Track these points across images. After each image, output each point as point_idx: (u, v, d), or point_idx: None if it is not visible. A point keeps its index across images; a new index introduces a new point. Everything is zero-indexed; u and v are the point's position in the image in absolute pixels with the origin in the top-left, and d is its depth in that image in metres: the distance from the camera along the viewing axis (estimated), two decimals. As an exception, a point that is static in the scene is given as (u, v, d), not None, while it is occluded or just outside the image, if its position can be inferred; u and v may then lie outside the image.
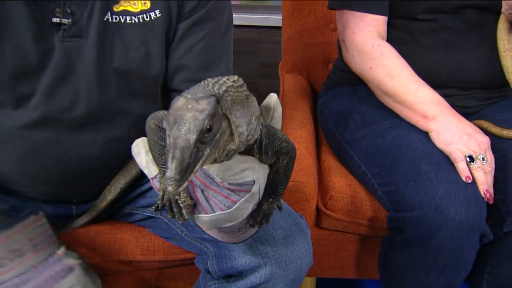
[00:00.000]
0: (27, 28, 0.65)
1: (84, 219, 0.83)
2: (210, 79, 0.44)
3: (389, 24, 1.00)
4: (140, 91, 0.75)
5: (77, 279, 0.66)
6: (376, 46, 0.95)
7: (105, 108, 0.72)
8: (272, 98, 0.55)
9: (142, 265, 0.86)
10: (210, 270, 0.74)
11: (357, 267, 1.08)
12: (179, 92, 0.73)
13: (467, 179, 0.82)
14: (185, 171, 0.38)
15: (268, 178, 0.53)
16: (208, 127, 0.40)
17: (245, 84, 0.46)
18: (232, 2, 0.85)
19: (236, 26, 0.85)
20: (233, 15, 0.83)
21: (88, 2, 0.67)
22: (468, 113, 1.00)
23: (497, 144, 0.91)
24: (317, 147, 1.15)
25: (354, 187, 0.98)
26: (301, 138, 1.03)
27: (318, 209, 1.00)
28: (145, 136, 0.64)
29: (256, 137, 0.49)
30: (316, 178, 1.00)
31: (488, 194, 0.82)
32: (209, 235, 0.59)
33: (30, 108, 0.69)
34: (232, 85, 0.44)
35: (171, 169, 0.37)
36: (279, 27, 1.98)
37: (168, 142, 0.39)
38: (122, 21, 0.70)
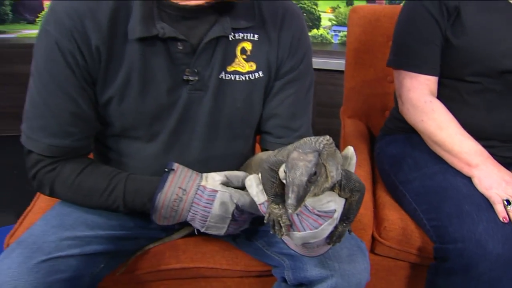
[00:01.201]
0: (165, 83, 0.78)
1: (182, 232, 0.96)
2: (313, 138, 0.58)
3: (440, 83, 1.07)
4: (239, 133, 0.86)
5: (222, 196, 0.76)
6: (428, 102, 1.04)
7: (213, 146, 0.84)
8: (350, 150, 0.65)
9: (226, 273, 0.96)
10: (286, 279, 0.84)
11: (406, 291, 1.11)
12: (270, 134, 0.90)
13: (504, 219, 0.88)
14: (300, 200, 0.53)
15: (344, 208, 0.62)
16: (314, 172, 0.53)
17: (334, 142, 0.61)
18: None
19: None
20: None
21: (210, 64, 0.79)
22: (508, 163, 1.04)
23: (534, 192, 0.96)
24: (373, 185, 1.22)
25: (405, 221, 1.05)
26: (360, 177, 1.08)
27: (373, 238, 1.07)
28: (238, 168, 0.81)
29: (339, 178, 0.59)
30: (372, 211, 1.08)
31: (523, 234, 0.88)
32: (291, 249, 0.70)
33: (158, 143, 0.82)
34: (327, 143, 0.58)
35: (292, 199, 0.53)
36: (337, 71, 2.01)
37: (287, 181, 0.54)
38: (233, 78, 0.81)
